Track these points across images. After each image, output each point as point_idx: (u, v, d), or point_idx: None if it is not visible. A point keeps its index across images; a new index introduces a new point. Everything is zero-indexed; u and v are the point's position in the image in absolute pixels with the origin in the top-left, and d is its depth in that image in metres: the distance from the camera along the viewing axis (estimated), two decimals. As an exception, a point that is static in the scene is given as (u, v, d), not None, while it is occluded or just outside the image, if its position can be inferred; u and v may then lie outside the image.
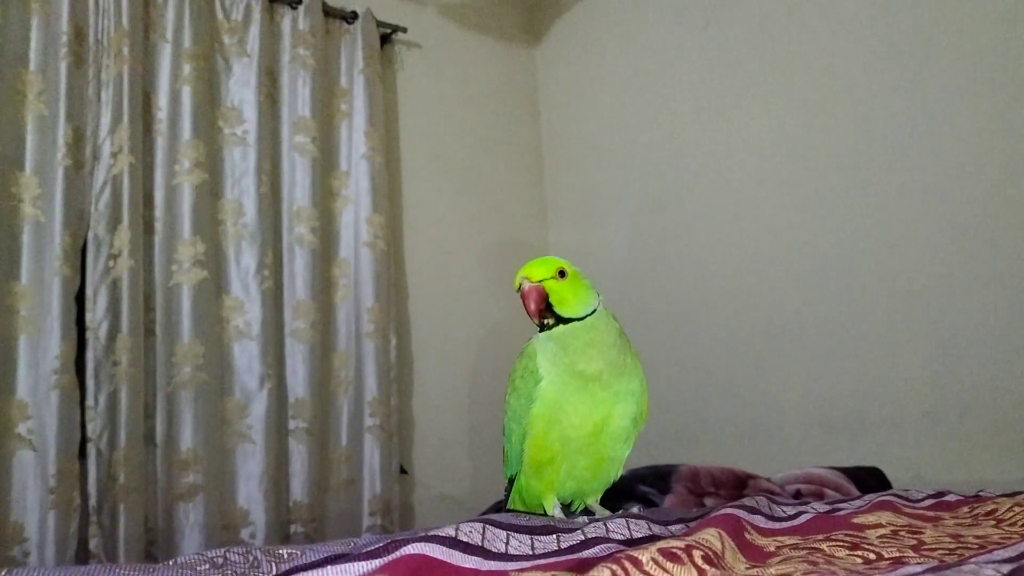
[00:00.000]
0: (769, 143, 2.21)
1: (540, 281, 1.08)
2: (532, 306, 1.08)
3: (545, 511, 1.16)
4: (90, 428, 2.00)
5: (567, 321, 1.09)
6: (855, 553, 0.83)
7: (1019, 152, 1.67)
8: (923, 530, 0.97)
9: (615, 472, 1.18)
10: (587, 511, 1.21)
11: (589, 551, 0.83)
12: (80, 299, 2.05)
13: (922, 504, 1.22)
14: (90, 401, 2.01)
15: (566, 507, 1.20)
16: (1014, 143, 1.68)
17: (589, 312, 1.10)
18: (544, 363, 1.12)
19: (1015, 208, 1.67)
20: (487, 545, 0.81)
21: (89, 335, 2.04)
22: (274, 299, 2.32)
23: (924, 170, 1.84)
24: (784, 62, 2.18)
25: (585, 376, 1.09)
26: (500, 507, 1.39)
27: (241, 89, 2.38)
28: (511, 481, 1.24)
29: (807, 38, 2.12)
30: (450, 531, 0.81)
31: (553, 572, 0.74)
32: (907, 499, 1.24)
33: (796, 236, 2.12)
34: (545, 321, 1.09)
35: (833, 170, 2.04)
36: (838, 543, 0.87)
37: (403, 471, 2.51)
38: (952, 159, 1.78)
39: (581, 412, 1.10)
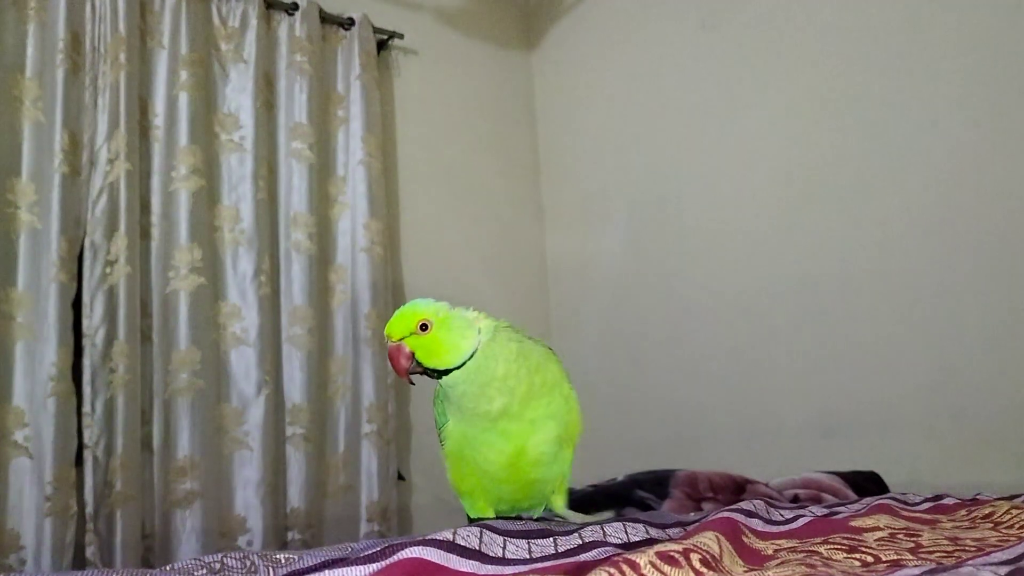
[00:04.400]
0: (766, 147, 2.21)
1: (401, 340, 1.03)
2: (398, 368, 1.03)
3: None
4: (87, 435, 2.00)
5: (445, 372, 1.03)
6: (853, 556, 0.83)
7: (1017, 161, 1.67)
8: (921, 533, 0.97)
9: (550, 488, 1.12)
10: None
11: (586, 555, 0.83)
12: (77, 306, 2.05)
13: (920, 507, 1.22)
14: (87, 408, 2.01)
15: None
16: (1012, 152, 1.68)
17: (467, 358, 1.02)
18: (449, 404, 1.09)
19: (1011, 214, 1.67)
20: (484, 549, 0.81)
21: (86, 342, 2.04)
22: (271, 305, 2.31)
23: (922, 174, 1.84)
24: (781, 66, 2.18)
25: (489, 416, 1.04)
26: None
27: (238, 95, 2.38)
28: None
29: (804, 42, 2.13)
30: (448, 535, 0.80)
31: (551, 576, 0.74)
32: (905, 502, 1.24)
33: (793, 240, 2.12)
34: (422, 373, 1.04)
35: (830, 175, 2.04)
36: (836, 546, 0.87)
37: (401, 477, 2.51)
38: (948, 165, 1.79)
39: (495, 447, 1.05)
